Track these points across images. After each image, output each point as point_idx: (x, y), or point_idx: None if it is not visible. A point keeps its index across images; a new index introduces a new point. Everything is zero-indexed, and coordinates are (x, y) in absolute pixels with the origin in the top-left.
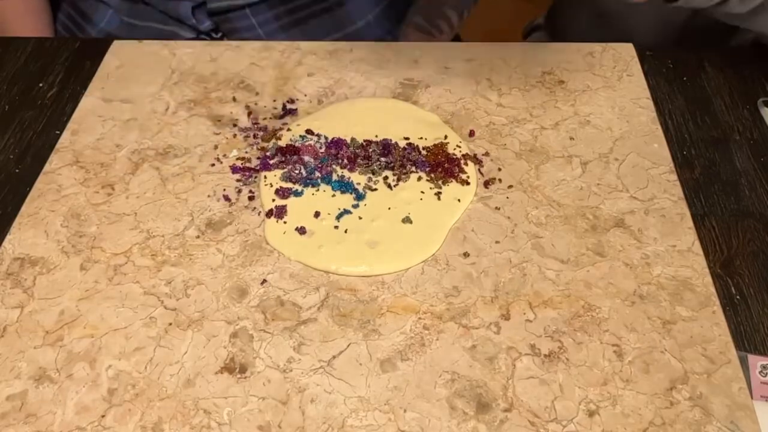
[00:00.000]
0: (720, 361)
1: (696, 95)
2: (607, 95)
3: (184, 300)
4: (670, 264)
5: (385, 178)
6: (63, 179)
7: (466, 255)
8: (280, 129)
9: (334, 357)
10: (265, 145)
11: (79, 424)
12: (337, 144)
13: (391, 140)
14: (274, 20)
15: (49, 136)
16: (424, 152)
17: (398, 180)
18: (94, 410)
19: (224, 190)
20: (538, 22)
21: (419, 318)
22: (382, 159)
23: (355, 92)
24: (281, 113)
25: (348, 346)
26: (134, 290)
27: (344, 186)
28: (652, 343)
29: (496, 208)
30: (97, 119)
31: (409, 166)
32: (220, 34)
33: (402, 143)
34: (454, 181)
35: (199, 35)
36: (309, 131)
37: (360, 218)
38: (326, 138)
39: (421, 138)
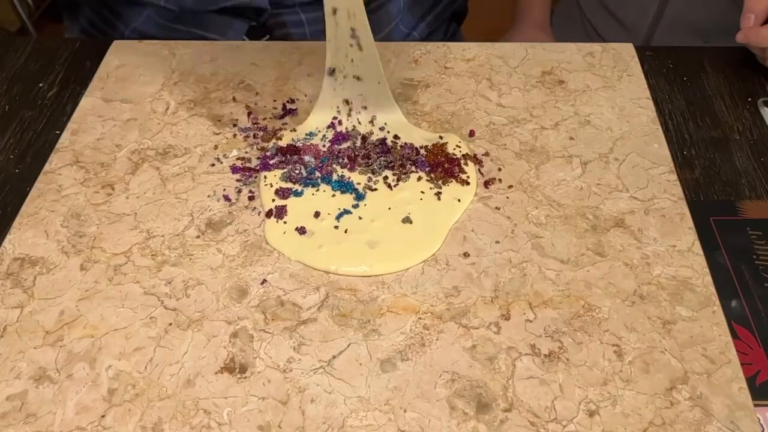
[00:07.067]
0: (720, 361)
1: (696, 95)
2: (607, 95)
3: (184, 300)
4: (670, 264)
5: (385, 178)
6: (63, 179)
7: (466, 255)
8: (281, 129)
9: (334, 357)
10: (265, 145)
11: (79, 424)
12: (338, 138)
13: (387, 140)
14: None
15: (49, 136)
16: (423, 152)
17: (398, 180)
18: (94, 410)
19: (224, 190)
20: None
21: (419, 318)
22: (382, 159)
23: None
24: (281, 113)
25: (348, 346)
26: (134, 290)
27: (344, 186)
28: (652, 343)
29: (496, 208)
30: (97, 119)
31: (409, 166)
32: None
33: (399, 142)
34: (454, 181)
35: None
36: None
37: (360, 218)
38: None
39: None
